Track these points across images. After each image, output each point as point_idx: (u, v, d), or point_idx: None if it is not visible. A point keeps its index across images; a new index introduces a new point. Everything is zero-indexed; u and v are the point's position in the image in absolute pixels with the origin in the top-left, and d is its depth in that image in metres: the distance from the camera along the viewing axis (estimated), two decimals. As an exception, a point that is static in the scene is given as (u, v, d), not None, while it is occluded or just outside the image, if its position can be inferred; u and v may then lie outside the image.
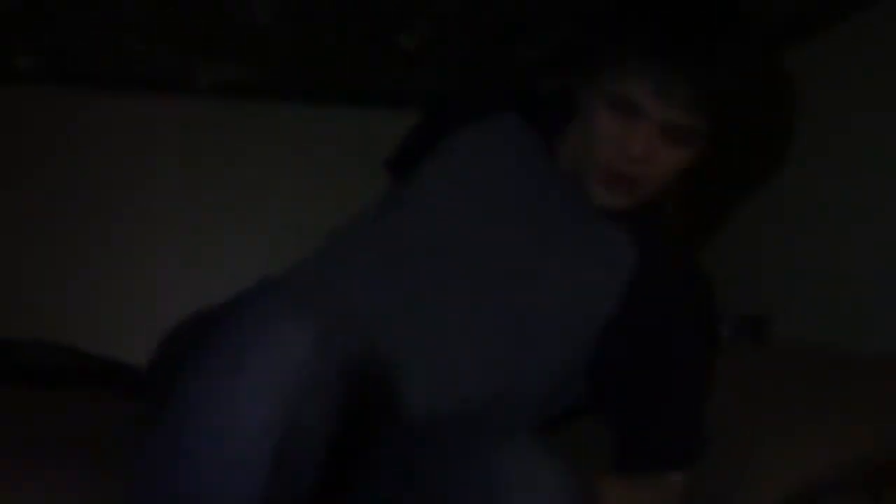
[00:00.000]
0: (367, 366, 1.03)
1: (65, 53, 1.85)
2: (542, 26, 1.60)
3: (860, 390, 1.24)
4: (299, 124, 2.09)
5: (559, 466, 0.90)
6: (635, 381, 1.15)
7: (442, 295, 1.14)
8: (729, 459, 1.15)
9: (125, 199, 2.02)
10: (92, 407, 1.43)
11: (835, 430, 1.15)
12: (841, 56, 1.62)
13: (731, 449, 1.16)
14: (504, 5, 1.54)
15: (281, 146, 2.09)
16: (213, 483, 0.78)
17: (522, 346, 1.14)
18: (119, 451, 1.04)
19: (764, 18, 1.54)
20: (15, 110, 1.99)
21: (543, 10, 1.55)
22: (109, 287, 1.96)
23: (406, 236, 1.18)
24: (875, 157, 1.53)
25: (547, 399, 1.18)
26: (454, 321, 1.13)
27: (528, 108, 1.28)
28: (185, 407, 0.81)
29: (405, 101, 1.86)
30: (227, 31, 1.70)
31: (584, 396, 1.21)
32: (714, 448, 1.16)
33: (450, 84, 1.87)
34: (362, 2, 1.58)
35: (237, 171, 2.07)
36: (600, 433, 1.19)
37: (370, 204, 1.33)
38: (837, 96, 1.64)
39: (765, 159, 1.72)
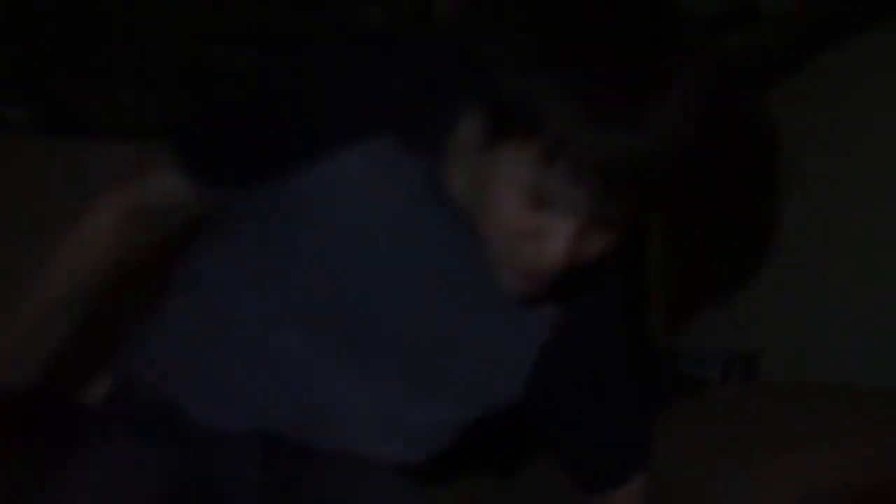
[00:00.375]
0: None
1: (54, 104, 1.87)
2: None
3: (847, 422, 1.31)
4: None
5: None
6: (573, 408, 1.08)
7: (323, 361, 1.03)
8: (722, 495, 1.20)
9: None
10: None
11: (822, 457, 1.24)
12: (826, 91, 1.65)
13: (724, 482, 1.22)
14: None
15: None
16: None
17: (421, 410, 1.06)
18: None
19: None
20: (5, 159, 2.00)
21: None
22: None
23: (278, 302, 1.01)
24: (862, 194, 1.55)
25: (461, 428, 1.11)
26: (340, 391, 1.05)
27: (408, 124, 0.94)
28: None
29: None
30: (214, 77, 1.72)
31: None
32: (708, 483, 1.21)
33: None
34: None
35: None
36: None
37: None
38: (823, 132, 1.67)
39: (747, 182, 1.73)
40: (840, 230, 1.62)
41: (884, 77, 1.50)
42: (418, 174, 0.93)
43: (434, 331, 1.00)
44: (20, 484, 1.13)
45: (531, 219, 0.82)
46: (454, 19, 1.40)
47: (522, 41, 0.78)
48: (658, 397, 1.75)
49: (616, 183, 0.76)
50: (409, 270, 0.97)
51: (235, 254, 1.04)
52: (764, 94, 1.83)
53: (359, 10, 1.42)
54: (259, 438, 1.07)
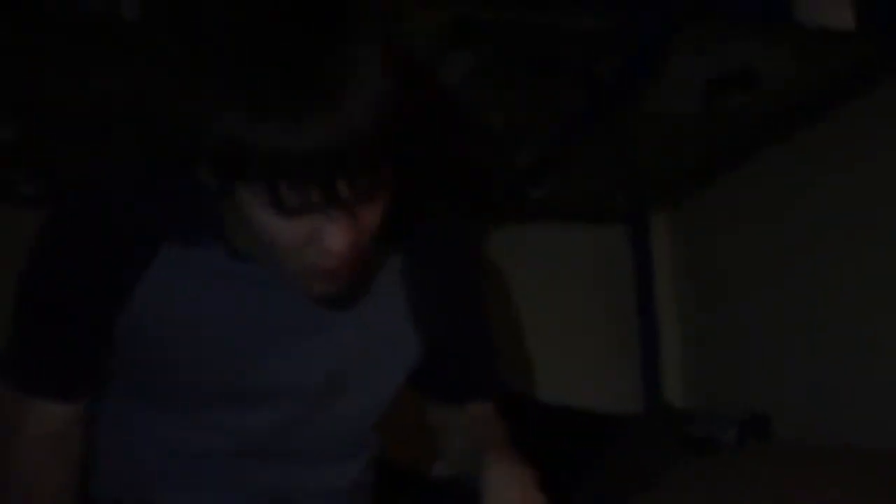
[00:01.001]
0: None
1: (66, 179, 1.90)
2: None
3: (863, 482, 1.31)
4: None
5: None
6: (442, 345, 1.17)
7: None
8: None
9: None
10: None
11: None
12: (832, 150, 1.66)
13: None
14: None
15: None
16: None
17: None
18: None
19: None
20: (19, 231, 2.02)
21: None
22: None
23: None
24: (874, 255, 1.55)
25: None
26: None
27: (185, 225, 1.02)
28: None
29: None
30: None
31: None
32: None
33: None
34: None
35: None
36: None
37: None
38: (828, 191, 1.68)
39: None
40: (852, 292, 1.61)
41: (887, 138, 1.51)
42: (220, 259, 1.01)
43: (322, 366, 1.08)
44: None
45: (299, 230, 0.86)
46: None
47: (211, 81, 0.81)
48: (671, 459, 1.74)
49: (335, 172, 0.81)
50: (271, 333, 1.05)
51: (127, 385, 1.11)
52: (769, 153, 1.85)
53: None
54: None
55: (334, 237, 0.86)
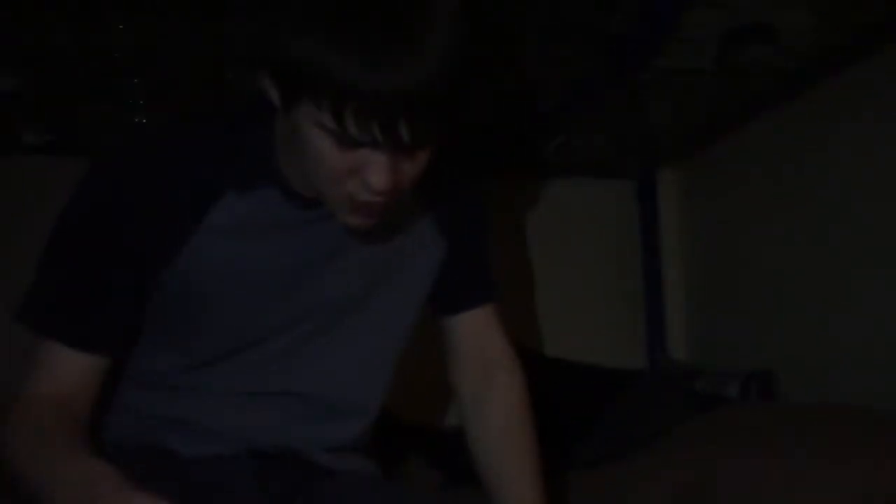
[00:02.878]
0: None
1: (70, 128, 1.90)
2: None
3: (864, 443, 1.33)
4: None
5: None
6: (460, 253, 1.24)
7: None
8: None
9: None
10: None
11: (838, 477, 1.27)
12: (844, 108, 1.64)
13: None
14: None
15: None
16: None
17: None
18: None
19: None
20: (20, 179, 2.04)
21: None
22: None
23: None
24: (885, 212, 1.54)
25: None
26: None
27: (239, 167, 1.06)
28: None
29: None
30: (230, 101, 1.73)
31: None
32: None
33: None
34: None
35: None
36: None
37: None
38: (837, 149, 1.66)
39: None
40: (860, 249, 1.61)
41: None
42: (272, 196, 1.06)
43: (356, 279, 1.15)
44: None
45: (347, 159, 0.92)
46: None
47: (295, 6, 0.86)
48: (675, 414, 1.75)
49: (402, 115, 0.86)
50: (312, 265, 1.11)
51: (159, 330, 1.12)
52: (779, 110, 1.84)
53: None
54: (249, 458, 1.14)
55: (378, 175, 0.92)
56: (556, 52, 1.58)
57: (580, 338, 2.20)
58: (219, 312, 1.09)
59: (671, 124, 1.97)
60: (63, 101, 1.76)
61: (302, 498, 1.15)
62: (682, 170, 2.34)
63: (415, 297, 1.22)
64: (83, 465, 0.92)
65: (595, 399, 1.84)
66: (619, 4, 1.42)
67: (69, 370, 1.04)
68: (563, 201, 2.34)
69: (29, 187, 2.04)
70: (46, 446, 0.96)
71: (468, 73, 0.90)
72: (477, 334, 1.28)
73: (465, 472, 1.28)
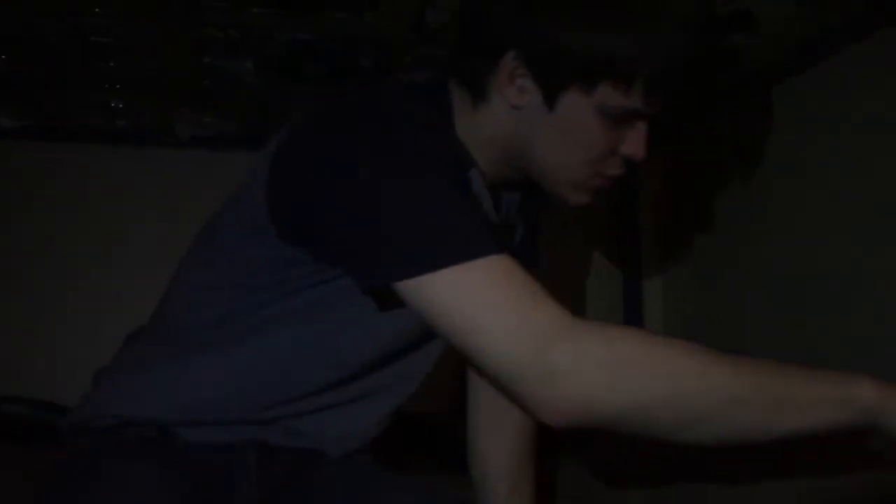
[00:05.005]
0: None
1: (46, 113, 1.88)
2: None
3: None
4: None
5: None
6: None
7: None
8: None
9: (104, 250, 2.03)
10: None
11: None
12: (830, 93, 1.63)
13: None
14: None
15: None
16: None
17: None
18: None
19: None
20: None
21: None
22: (89, 339, 1.94)
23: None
24: (873, 194, 1.52)
25: None
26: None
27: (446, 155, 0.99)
28: None
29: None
30: (208, 84, 1.71)
31: None
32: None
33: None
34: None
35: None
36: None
37: None
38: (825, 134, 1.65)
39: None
40: (847, 247, 1.59)
41: (884, 82, 1.49)
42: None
43: None
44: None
45: (611, 138, 0.98)
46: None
47: None
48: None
49: (675, 83, 0.95)
50: None
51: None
52: (762, 97, 1.83)
53: (351, 19, 1.40)
54: (254, 447, 1.10)
55: (640, 145, 0.99)
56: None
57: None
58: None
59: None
60: (39, 85, 1.74)
61: (300, 484, 1.13)
62: (662, 154, 2.33)
63: None
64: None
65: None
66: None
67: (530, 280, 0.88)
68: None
69: (4, 171, 2.03)
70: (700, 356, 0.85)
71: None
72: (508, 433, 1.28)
73: (458, 459, 1.28)
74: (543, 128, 0.99)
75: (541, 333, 0.82)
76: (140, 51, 1.56)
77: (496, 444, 1.27)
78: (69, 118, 1.90)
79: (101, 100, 1.80)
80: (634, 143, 0.99)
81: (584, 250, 2.32)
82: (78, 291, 2.01)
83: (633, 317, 2.26)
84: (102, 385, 1.14)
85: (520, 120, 1.00)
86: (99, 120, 1.89)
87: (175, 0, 1.35)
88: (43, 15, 1.43)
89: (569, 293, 2.21)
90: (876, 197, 1.49)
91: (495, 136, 1.02)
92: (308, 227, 0.93)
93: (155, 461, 1.03)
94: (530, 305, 0.84)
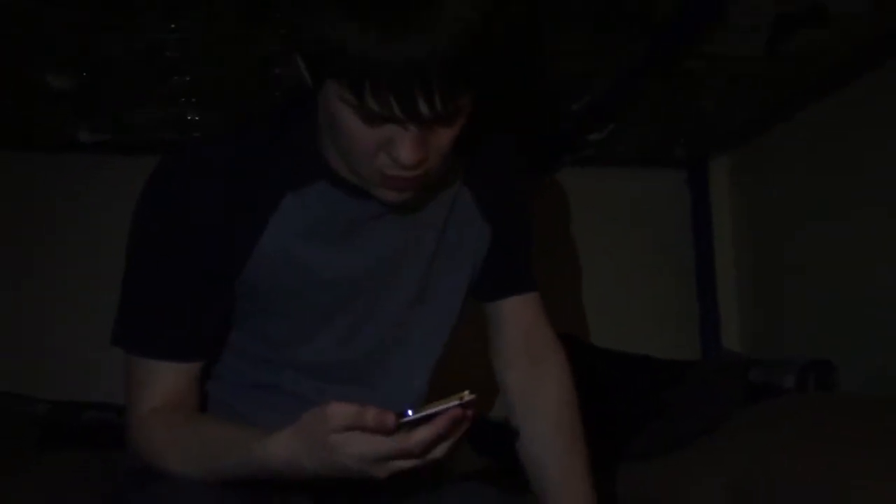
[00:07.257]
0: None
1: (123, 127, 1.94)
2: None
3: None
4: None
5: None
6: (502, 238, 1.24)
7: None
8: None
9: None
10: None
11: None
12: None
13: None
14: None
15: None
16: None
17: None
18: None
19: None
20: (75, 177, 2.11)
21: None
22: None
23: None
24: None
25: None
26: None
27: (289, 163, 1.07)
28: None
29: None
30: (278, 95, 1.75)
31: None
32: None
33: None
34: None
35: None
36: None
37: None
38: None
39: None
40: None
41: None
42: (324, 190, 1.07)
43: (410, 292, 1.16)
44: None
45: (375, 135, 0.93)
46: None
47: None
48: (729, 403, 1.73)
49: (417, 87, 0.86)
50: (372, 259, 1.11)
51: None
52: (831, 96, 1.80)
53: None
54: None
55: (405, 150, 0.92)
56: (602, 39, 1.57)
57: (632, 329, 2.19)
58: (288, 311, 1.11)
59: (721, 112, 1.94)
60: (117, 101, 1.79)
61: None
62: (734, 157, 2.31)
63: (465, 280, 1.21)
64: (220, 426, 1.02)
65: (649, 391, 1.82)
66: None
67: (174, 380, 1.07)
68: (614, 190, 2.32)
69: (84, 185, 2.11)
70: (180, 426, 1.04)
71: (491, 48, 0.89)
72: (521, 322, 1.27)
73: (512, 460, 1.28)
74: (324, 123, 1.02)
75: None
76: (212, 64, 1.60)
77: (532, 422, 1.25)
78: (146, 132, 1.95)
79: (176, 113, 1.85)
80: (399, 145, 0.92)
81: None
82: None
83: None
84: None
85: (324, 111, 1.00)
86: (174, 133, 1.94)
87: (244, 13, 1.39)
88: (120, 32, 1.48)
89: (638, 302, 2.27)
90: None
91: (324, 133, 1.04)
92: None
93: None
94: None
